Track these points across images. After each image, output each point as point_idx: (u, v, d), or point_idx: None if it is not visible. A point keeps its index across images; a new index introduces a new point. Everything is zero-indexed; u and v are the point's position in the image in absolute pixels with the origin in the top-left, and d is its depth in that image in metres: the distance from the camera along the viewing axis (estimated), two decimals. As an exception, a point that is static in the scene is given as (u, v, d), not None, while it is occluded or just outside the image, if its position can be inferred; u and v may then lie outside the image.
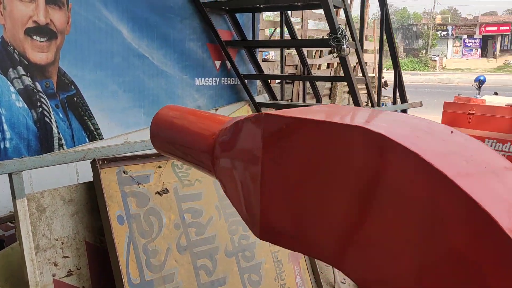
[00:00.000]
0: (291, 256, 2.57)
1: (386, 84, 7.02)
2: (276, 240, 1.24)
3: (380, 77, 4.01)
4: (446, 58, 31.47)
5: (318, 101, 4.68)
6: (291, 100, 4.60)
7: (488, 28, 32.23)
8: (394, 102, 4.24)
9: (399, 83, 4.03)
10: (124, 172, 2.12)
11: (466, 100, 6.08)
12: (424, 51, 30.10)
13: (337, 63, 5.51)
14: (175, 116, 1.55)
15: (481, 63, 29.89)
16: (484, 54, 33.14)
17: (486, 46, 32.35)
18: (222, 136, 1.37)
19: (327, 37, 2.97)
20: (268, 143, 1.12)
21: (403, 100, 4.18)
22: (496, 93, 11.97)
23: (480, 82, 12.90)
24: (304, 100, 4.73)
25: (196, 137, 1.45)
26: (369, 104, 3.61)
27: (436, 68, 28.84)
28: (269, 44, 4.85)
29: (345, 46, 2.94)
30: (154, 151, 2.39)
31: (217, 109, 3.64)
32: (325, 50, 5.17)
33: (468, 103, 5.92)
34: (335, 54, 3.02)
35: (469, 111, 5.78)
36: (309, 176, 1.08)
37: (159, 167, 2.24)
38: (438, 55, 29.60)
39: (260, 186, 1.14)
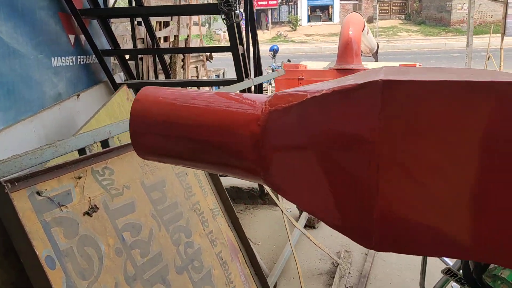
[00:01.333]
0: (232, 253, 2.25)
1: (211, 56, 6.90)
2: (403, 248, 0.95)
3: (256, 49, 3.80)
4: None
5: (168, 76, 4.26)
6: (142, 77, 4.06)
7: (260, 3, 35.21)
8: (255, 75, 4.12)
9: (258, 56, 3.90)
10: (38, 193, 1.47)
11: (294, 66, 6.41)
12: (207, 25, 31.20)
13: (175, 36, 5.11)
14: (175, 100, 1.10)
15: (258, 34, 32.66)
16: (259, 27, 36.31)
17: (259, 19, 35.31)
18: (276, 120, 1.00)
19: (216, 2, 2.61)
20: (390, 117, 0.83)
21: (260, 72, 4.09)
22: (289, 60, 13.15)
23: (274, 51, 13.98)
24: (156, 77, 4.23)
25: (225, 127, 1.05)
26: (249, 76, 3.40)
27: (220, 41, 30.23)
28: (139, 11, 3.77)
29: (238, 12, 2.64)
30: (66, 157, 1.75)
31: (78, 95, 2.93)
32: (170, 22, 4.70)
33: (297, 69, 6.24)
34: (225, 21, 2.69)
35: (299, 77, 6.11)
36: (453, 153, 0.84)
37: (79, 177, 1.63)
38: (220, 29, 31.04)
39: (377, 176, 0.86)
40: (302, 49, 24.18)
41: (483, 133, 0.84)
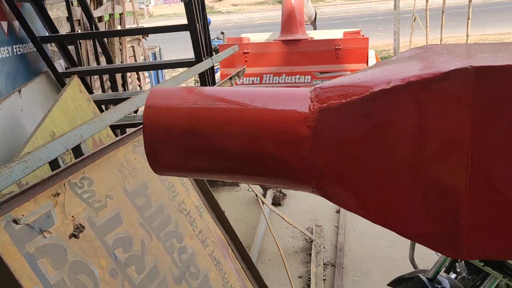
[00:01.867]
0: (223, 250, 2.10)
1: (147, 34, 6.50)
2: (499, 252, 0.87)
3: (205, 25, 3.53)
4: (151, 5, 32.10)
5: (110, 60, 3.91)
6: (82, 63, 3.68)
7: (181, -27, 34.01)
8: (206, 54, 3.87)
9: (208, 33, 3.65)
10: (15, 221, 1.22)
11: (238, 40, 6.18)
12: (128, 1, 29.75)
13: (110, 14, 4.70)
14: (197, 103, 0.93)
15: (183, 8, 31.58)
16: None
17: (182, -10, 34.18)
18: (331, 120, 0.87)
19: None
20: (483, 112, 0.72)
21: (210, 50, 3.85)
22: (222, 33, 12.85)
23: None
24: (98, 61, 3.86)
25: (266, 132, 0.90)
26: (204, 56, 3.16)
27: (144, 16, 28.95)
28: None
29: (197, -13, 2.40)
30: (39, 172, 1.49)
31: (20, 91, 2.57)
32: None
33: (241, 43, 6.02)
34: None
35: (244, 51, 5.90)
36: None
37: (57, 194, 1.38)
38: (143, 3, 29.69)
39: (468, 179, 0.76)
40: (231, 20, 23.74)
41: None
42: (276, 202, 4.26)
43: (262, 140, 0.90)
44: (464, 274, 2.25)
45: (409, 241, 3.45)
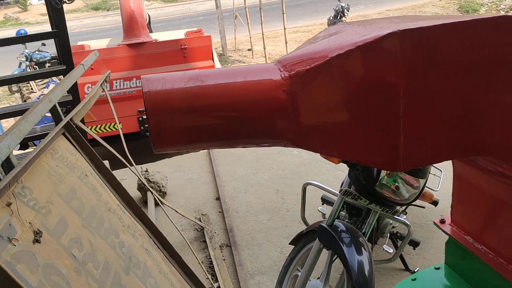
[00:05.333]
0: (149, 242, 2.18)
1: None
2: (423, 160, 1.24)
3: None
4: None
5: None
6: None
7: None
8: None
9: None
10: (-14, 233, 1.20)
11: (80, 48, 5.95)
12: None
13: None
14: (191, 83, 1.14)
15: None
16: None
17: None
18: (301, 83, 1.16)
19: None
20: (409, 60, 1.09)
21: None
22: (44, 44, 11.96)
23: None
24: None
25: (252, 98, 1.16)
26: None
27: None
28: None
29: (72, -9, 2.39)
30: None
31: None
32: None
33: (84, 50, 5.83)
34: (56, 3, 2.39)
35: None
36: (464, 78, 1.16)
37: (9, 204, 1.36)
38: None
39: (402, 110, 1.11)
40: (45, 30, 22.03)
41: (485, 60, 1.14)
42: (157, 202, 4.33)
43: (248, 106, 1.11)
44: (346, 220, 2.73)
45: (287, 211, 3.90)
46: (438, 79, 1.14)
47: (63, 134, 2.04)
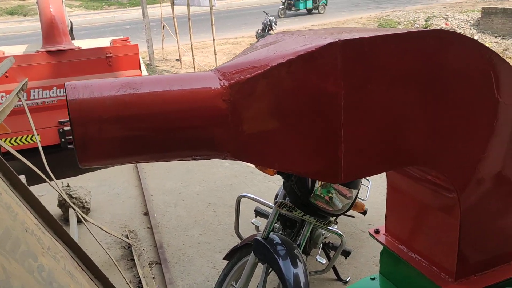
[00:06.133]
0: (72, 263, 2.01)
1: None
2: (363, 171, 1.25)
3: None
4: None
5: None
6: None
7: None
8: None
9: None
10: None
11: (-5, 53, 5.50)
12: None
13: None
14: (121, 91, 1.08)
15: None
16: None
17: None
18: (242, 92, 1.13)
19: None
20: (349, 70, 1.11)
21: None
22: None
23: None
24: None
25: (189, 108, 1.11)
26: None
27: None
28: None
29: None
30: None
31: None
32: None
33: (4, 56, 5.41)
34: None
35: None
36: (400, 89, 1.19)
37: None
38: None
39: (343, 120, 1.12)
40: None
41: (421, 72, 1.16)
42: (80, 219, 4.07)
43: (185, 116, 1.05)
44: (280, 232, 2.71)
45: (219, 224, 3.83)
46: (375, 90, 1.14)
47: (-28, 147, 1.83)
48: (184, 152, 1.09)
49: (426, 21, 17.12)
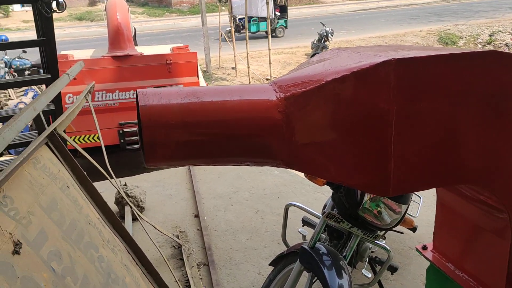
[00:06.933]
0: (128, 257, 2.14)
1: None
2: (412, 186, 1.27)
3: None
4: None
5: None
6: None
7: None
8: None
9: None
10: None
11: (64, 57, 5.89)
12: None
13: None
14: (186, 99, 1.15)
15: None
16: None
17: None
18: (296, 105, 1.17)
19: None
20: (402, 88, 1.13)
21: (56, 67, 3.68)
22: (24, 51, 11.83)
23: (3, 42, 12.31)
24: None
25: (248, 117, 1.17)
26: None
27: None
28: None
29: (62, 0, 2.38)
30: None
31: None
32: None
33: (67, 60, 5.78)
34: (46, 12, 2.37)
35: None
36: (453, 109, 1.19)
37: (-12, 214, 1.32)
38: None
39: (393, 136, 1.14)
40: (28, 37, 21.80)
41: (476, 92, 1.17)
42: (135, 217, 4.26)
43: (244, 124, 1.12)
44: (327, 243, 2.74)
45: (267, 231, 3.88)
46: (428, 107, 1.17)
47: (46, 144, 2.00)
48: (240, 158, 1.16)
49: (490, 35, 16.49)
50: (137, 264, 2.27)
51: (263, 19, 15.79)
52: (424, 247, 1.68)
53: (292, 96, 1.16)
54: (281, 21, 18.78)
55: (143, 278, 2.24)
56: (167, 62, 5.93)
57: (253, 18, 17.77)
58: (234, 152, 1.15)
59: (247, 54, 12.20)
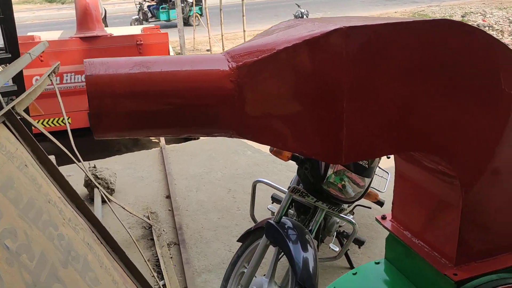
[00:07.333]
0: (91, 236, 2.12)
1: None
2: (364, 154, 1.28)
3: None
4: None
5: None
6: None
7: None
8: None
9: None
10: None
11: (29, 38, 5.72)
12: None
13: None
14: (135, 69, 1.13)
15: None
16: None
17: None
18: (248, 74, 1.17)
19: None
20: (353, 57, 1.13)
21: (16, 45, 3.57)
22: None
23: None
24: None
25: (199, 87, 1.16)
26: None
27: None
28: None
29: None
30: None
31: None
32: None
33: (33, 41, 5.62)
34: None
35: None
36: (405, 77, 1.21)
37: None
38: None
39: (346, 105, 1.15)
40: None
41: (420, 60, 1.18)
42: (104, 200, 4.22)
43: (194, 95, 1.11)
44: (295, 218, 2.76)
45: (238, 210, 3.90)
46: (381, 76, 1.17)
47: (3, 122, 1.95)
48: (191, 128, 1.15)
49: (462, 17, 16.68)
50: (101, 243, 2.25)
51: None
52: (384, 217, 1.71)
53: (244, 65, 1.15)
54: (196, 8, 15.37)
55: (108, 256, 2.23)
56: (138, 43, 5.83)
57: (162, 6, 16.40)
58: (185, 122, 1.14)
59: (222, 36, 12.09)
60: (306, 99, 1.18)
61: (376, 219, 1.78)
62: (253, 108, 1.18)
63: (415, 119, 1.25)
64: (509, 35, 13.13)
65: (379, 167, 3.59)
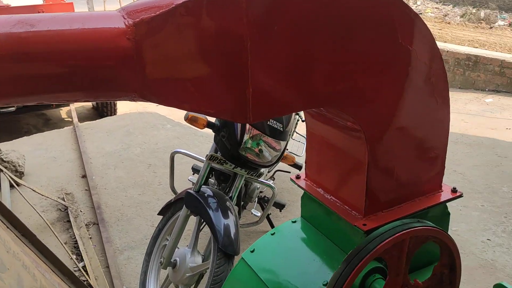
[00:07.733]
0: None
1: None
2: (272, 112, 1.29)
3: None
4: None
5: None
6: None
7: None
8: None
9: None
10: None
11: None
12: None
13: None
14: (15, 28, 1.04)
15: None
16: None
17: None
18: (147, 31, 1.12)
19: None
20: (255, 11, 1.13)
21: None
22: None
23: None
24: None
25: (92, 47, 1.08)
26: None
27: None
28: None
29: None
30: None
31: None
32: None
33: None
34: None
35: None
36: (305, 32, 1.22)
37: None
38: None
39: (250, 62, 1.14)
40: None
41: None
42: (12, 184, 3.94)
43: (88, 56, 1.02)
44: (215, 187, 2.75)
45: (159, 185, 3.82)
46: (282, 30, 1.15)
47: None
48: (88, 92, 1.07)
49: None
50: (7, 227, 2.09)
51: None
52: (298, 177, 1.74)
53: (141, 22, 1.07)
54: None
55: (16, 240, 2.08)
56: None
57: None
58: (80, 86, 1.04)
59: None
60: (209, 57, 1.13)
61: (291, 179, 1.81)
62: (155, 68, 1.11)
63: (317, 74, 1.25)
64: None
65: (297, 132, 3.67)
